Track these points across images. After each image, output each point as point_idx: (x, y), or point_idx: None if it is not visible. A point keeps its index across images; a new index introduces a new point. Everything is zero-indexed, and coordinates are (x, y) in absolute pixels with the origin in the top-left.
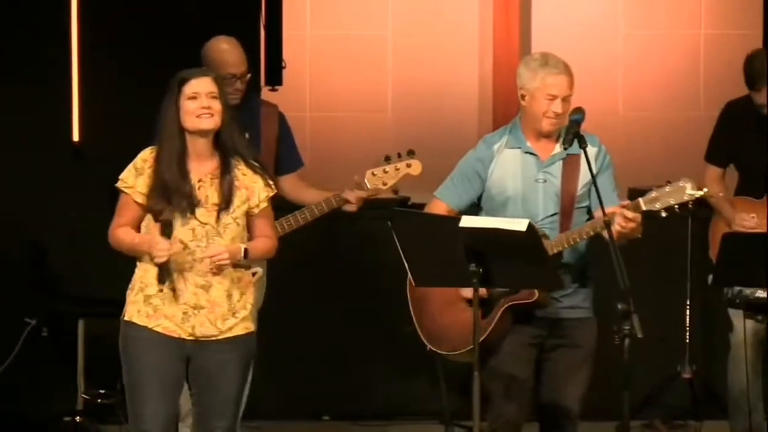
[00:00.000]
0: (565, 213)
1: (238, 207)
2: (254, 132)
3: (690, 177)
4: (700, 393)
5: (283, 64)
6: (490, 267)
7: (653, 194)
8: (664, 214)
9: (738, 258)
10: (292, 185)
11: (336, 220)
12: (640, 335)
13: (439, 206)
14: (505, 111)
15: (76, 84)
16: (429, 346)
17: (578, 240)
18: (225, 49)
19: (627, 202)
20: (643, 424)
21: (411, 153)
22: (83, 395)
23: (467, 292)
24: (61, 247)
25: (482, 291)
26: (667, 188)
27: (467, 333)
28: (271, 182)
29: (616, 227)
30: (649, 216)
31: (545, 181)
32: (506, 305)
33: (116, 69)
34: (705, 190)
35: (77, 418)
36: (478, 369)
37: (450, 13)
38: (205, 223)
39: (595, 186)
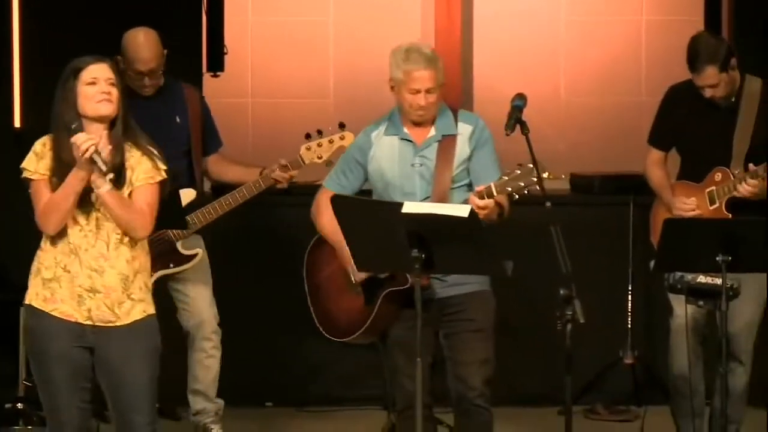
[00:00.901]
0: (439, 194)
1: (126, 189)
2: (183, 117)
3: (633, 163)
4: (642, 378)
5: (225, 51)
6: (432, 253)
7: (504, 178)
8: (516, 197)
9: (679, 243)
10: (215, 164)
11: (268, 207)
12: (582, 321)
13: (327, 194)
14: (448, 99)
15: (17, 70)
16: (325, 334)
17: None
18: (139, 44)
19: (482, 187)
20: (586, 410)
21: (342, 126)
22: (25, 382)
23: (357, 277)
24: (0, 235)
25: (361, 276)
26: (517, 171)
27: (357, 319)
28: (162, 167)
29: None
30: (588, 203)
31: (421, 165)
32: (385, 292)
33: (57, 54)
34: (547, 174)
35: (18, 405)
36: (420, 355)
37: (392, 6)
38: (98, 208)
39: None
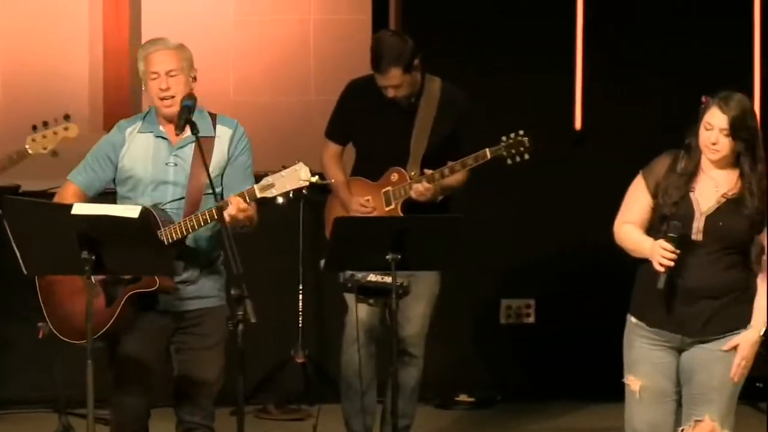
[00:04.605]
0: (191, 197)
1: None
2: None
3: (303, 161)
4: (314, 377)
5: None
6: (103, 254)
7: (269, 180)
8: (280, 200)
9: (349, 241)
10: None
11: None
12: (253, 320)
13: (69, 189)
14: (116, 98)
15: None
16: (60, 336)
17: (196, 227)
18: None
19: (251, 187)
20: (258, 409)
21: (67, 117)
22: None
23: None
24: None
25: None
26: (283, 173)
27: (96, 321)
28: None
29: (229, 215)
30: (263, 203)
31: (176, 164)
32: (129, 293)
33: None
34: (316, 178)
35: None
36: (91, 357)
37: (59, 2)
38: None
39: (208, 173)
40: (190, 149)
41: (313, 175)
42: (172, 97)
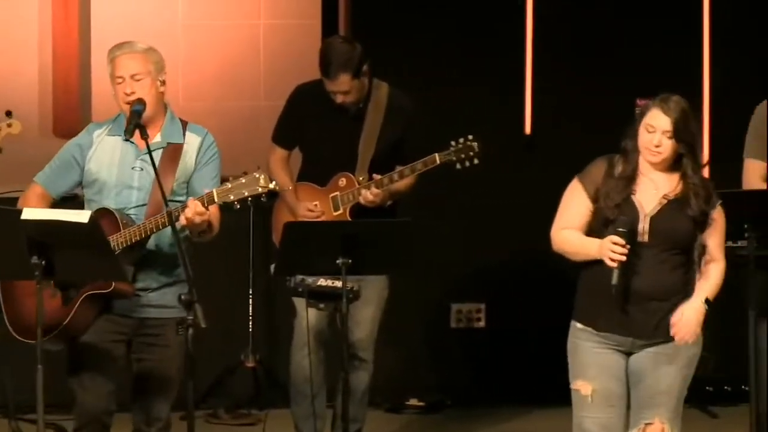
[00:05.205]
0: (154, 203)
1: None
2: None
3: (254, 166)
4: (264, 381)
5: None
6: (54, 259)
7: (228, 185)
8: (237, 206)
9: (299, 246)
10: None
11: None
12: (203, 325)
13: (35, 189)
14: (66, 102)
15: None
16: (17, 336)
17: (148, 232)
18: None
19: (210, 192)
20: (208, 414)
21: (9, 114)
22: None
23: None
24: None
25: None
26: (242, 179)
27: (52, 321)
28: None
29: (185, 217)
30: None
31: (142, 169)
32: (84, 294)
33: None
34: (274, 184)
35: None
36: (41, 362)
37: (8, 5)
38: None
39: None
40: (157, 155)
41: (271, 181)
42: (134, 97)
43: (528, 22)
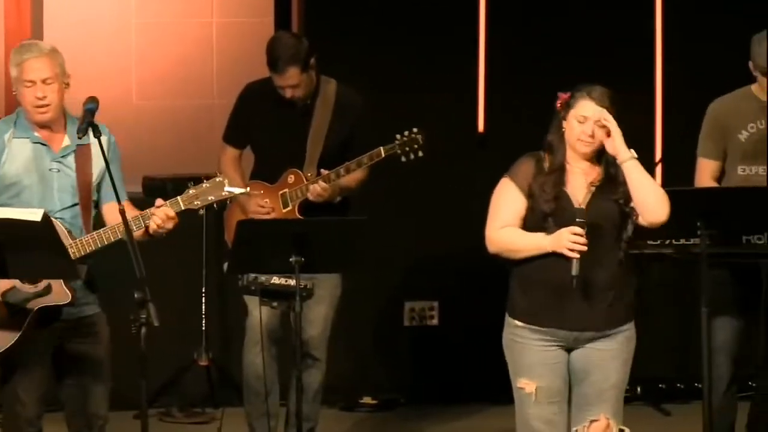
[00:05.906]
0: (85, 205)
1: None
2: None
3: (206, 165)
4: (217, 380)
5: None
6: (6, 258)
7: (192, 191)
8: (202, 212)
9: (252, 244)
10: None
11: None
12: (156, 323)
13: None
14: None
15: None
16: None
17: (105, 242)
18: None
19: (175, 199)
20: (161, 413)
21: None
22: None
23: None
24: None
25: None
26: (206, 184)
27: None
28: None
29: (156, 223)
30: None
31: (59, 171)
32: (39, 307)
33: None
34: (248, 189)
35: None
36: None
37: None
38: None
39: (110, 176)
40: (71, 158)
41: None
42: (48, 105)
43: (481, 20)
